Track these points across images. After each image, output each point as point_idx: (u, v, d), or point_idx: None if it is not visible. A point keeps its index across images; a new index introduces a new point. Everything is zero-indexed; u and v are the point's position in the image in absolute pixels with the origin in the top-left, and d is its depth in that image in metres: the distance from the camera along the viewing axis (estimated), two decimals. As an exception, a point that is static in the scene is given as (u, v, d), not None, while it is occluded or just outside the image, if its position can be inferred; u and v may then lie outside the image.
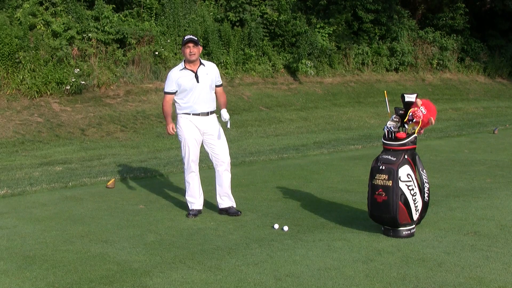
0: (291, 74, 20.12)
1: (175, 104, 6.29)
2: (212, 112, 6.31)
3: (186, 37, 6.17)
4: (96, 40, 15.72)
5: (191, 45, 6.08)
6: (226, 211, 6.36)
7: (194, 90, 6.15)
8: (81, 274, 4.48)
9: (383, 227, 5.46)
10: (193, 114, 6.21)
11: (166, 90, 6.24)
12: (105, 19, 15.97)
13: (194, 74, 6.16)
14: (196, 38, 6.16)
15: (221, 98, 6.46)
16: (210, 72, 6.26)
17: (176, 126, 6.31)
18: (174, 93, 6.21)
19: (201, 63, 6.23)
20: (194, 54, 6.11)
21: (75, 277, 4.42)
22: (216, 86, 6.37)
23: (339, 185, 7.88)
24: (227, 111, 6.34)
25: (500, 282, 4.25)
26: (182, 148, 6.31)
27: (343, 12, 21.77)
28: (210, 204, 6.70)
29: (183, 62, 6.25)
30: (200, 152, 6.36)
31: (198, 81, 6.15)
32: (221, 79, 6.51)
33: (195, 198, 6.32)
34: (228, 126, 6.36)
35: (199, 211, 6.34)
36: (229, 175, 6.39)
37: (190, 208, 6.35)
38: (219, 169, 6.33)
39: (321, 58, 20.94)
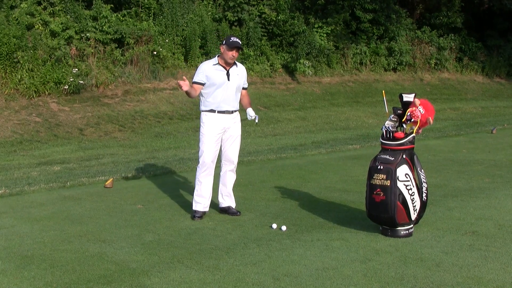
0: (289, 74, 20.12)
1: (201, 100, 6.21)
2: (236, 111, 6.32)
3: (233, 39, 6.08)
4: (94, 40, 15.72)
5: (235, 49, 6.05)
6: (226, 211, 6.35)
7: (223, 87, 6.13)
8: (79, 273, 4.48)
9: (381, 227, 5.47)
10: (218, 112, 6.16)
11: (195, 79, 6.13)
12: (103, 19, 15.98)
13: (226, 72, 6.14)
14: (241, 44, 6.15)
15: (246, 99, 6.50)
16: (240, 73, 6.27)
17: (200, 123, 6.27)
18: (202, 84, 6.10)
19: (234, 63, 6.24)
20: (234, 59, 6.13)
21: (73, 276, 4.42)
22: (243, 88, 6.38)
23: (337, 185, 7.88)
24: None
25: (498, 282, 4.25)
26: (201, 145, 6.19)
27: (341, 12, 21.78)
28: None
29: (216, 57, 6.22)
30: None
31: (229, 79, 6.14)
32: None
33: (204, 198, 6.20)
34: (257, 120, 6.41)
35: (204, 213, 6.23)
36: (234, 176, 6.41)
37: (194, 209, 6.21)
38: (226, 169, 6.33)
39: (319, 58, 20.94)
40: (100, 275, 4.45)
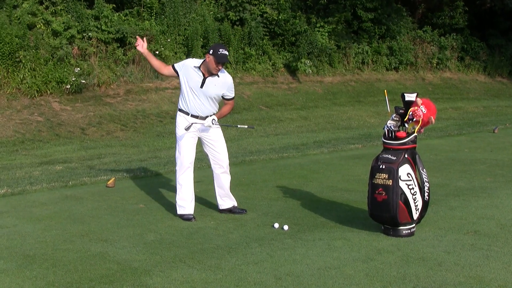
0: (291, 73, 20.12)
1: (180, 98, 6.16)
2: (211, 115, 6.12)
3: (222, 52, 5.86)
4: (96, 39, 15.72)
5: (221, 64, 5.92)
6: (230, 211, 6.33)
7: (194, 92, 6.02)
8: (81, 273, 4.48)
9: (383, 226, 5.47)
10: (191, 115, 6.07)
11: (174, 64, 6.13)
12: (105, 18, 15.97)
13: (203, 78, 5.99)
14: (228, 59, 6.02)
15: (226, 108, 6.24)
16: (219, 84, 6.03)
17: (175, 123, 6.19)
18: (175, 71, 6.06)
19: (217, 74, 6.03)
20: (218, 71, 5.96)
21: (75, 276, 4.42)
22: (226, 99, 6.16)
23: (339, 184, 7.88)
24: (216, 121, 6.12)
25: (500, 281, 4.25)
26: (177, 147, 6.13)
27: (343, 11, 21.77)
28: (210, 203, 6.70)
29: (203, 62, 6.01)
30: (198, 151, 6.32)
31: (201, 87, 5.99)
32: (233, 94, 6.24)
33: (186, 202, 6.09)
34: (213, 124, 6.08)
35: (192, 217, 6.10)
36: (229, 177, 6.32)
37: (179, 213, 6.11)
38: (218, 172, 6.24)
39: (321, 57, 20.93)
40: (102, 274, 4.45)
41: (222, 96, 6.14)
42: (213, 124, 6.05)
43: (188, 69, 6.03)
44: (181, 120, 6.12)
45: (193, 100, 6.05)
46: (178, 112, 6.17)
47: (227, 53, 5.95)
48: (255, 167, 9.32)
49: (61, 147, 12.05)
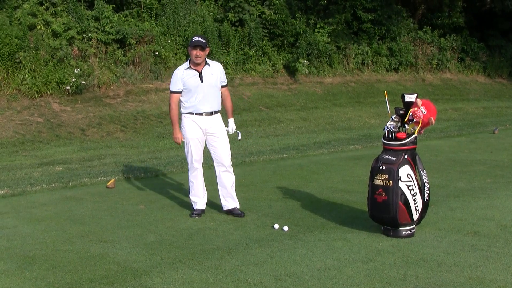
0: (291, 74, 20.12)
1: (180, 103, 6.28)
2: (216, 112, 6.29)
3: (194, 39, 6.14)
4: (96, 40, 15.73)
5: (198, 48, 6.07)
6: (231, 212, 6.35)
7: (198, 89, 6.14)
8: (81, 274, 4.49)
9: (383, 227, 5.47)
10: (196, 114, 6.20)
11: (172, 89, 6.22)
12: (105, 19, 15.98)
13: (198, 74, 6.14)
14: (204, 41, 6.11)
15: (227, 102, 6.47)
16: (214, 72, 6.25)
17: (180, 125, 6.33)
18: (180, 92, 6.18)
19: (206, 63, 6.22)
20: (200, 57, 6.10)
21: (75, 277, 4.42)
22: (221, 86, 6.36)
23: (339, 185, 7.88)
24: (234, 121, 6.52)
25: (500, 282, 4.25)
26: (185, 147, 6.31)
27: (343, 12, 21.77)
28: (210, 204, 6.69)
29: (188, 61, 6.25)
30: (206, 150, 6.38)
31: (202, 81, 6.13)
32: (226, 79, 6.50)
33: (198, 198, 6.33)
34: (239, 137, 6.65)
35: (202, 211, 6.34)
36: (231, 176, 6.34)
37: (193, 208, 6.35)
38: (219, 170, 6.31)
39: (321, 58, 20.92)
40: (102, 275, 4.46)
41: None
42: (233, 130, 6.45)
43: (183, 76, 6.19)
44: (187, 122, 6.26)
45: (198, 98, 6.16)
46: (184, 115, 6.29)
47: (199, 38, 6.17)
48: (255, 168, 9.33)
49: (61, 148, 12.05)
